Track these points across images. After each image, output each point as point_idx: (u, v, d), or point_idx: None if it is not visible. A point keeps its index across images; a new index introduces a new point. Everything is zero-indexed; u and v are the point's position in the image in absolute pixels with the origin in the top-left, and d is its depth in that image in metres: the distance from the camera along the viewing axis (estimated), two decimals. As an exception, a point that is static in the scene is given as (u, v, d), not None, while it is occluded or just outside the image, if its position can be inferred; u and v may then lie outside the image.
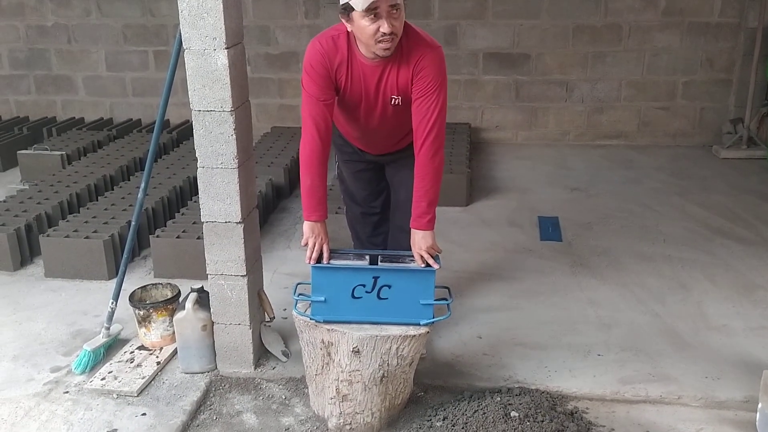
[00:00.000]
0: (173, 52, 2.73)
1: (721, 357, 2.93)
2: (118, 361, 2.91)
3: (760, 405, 2.41)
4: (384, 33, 2.33)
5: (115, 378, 2.80)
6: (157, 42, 6.30)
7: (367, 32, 2.36)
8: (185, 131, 5.97)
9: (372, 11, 2.31)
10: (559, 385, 2.76)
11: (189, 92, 2.52)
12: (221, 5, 2.39)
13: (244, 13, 5.83)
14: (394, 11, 2.34)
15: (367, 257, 2.55)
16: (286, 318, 3.15)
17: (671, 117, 6.02)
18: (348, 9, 2.36)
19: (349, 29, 2.45)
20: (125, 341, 3.07)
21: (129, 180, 4.73)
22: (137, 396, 2.71)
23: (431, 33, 2.63)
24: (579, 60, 5.92)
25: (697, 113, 5.99)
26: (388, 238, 3.12)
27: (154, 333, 2.97)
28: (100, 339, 2.96)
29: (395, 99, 2.57)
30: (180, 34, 2.49)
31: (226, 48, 2.45)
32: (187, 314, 2.79)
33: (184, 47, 2.48)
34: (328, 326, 2.43)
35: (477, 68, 6.04)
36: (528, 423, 2.41)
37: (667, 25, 5.76)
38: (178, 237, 3.66)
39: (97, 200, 4.32)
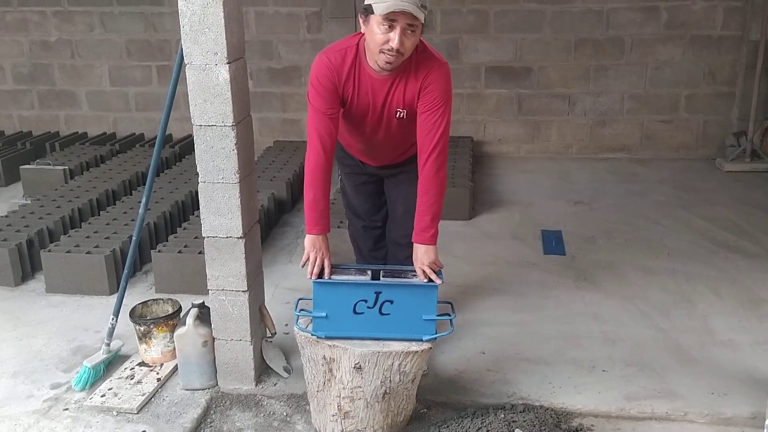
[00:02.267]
0: (175, 67, 2.73)
1: (728, 372, 2.90)
2: (119, 378, 2.89)
3: (767, 421, 2.37)
4: (391, 47, 2.33)
5: (115, 395, 2.77)
6: (160, 57, 6.33)
7: (376, 40, 2.35)
8: (188, 146, 5.97)
9: (389, 21, 2.30)
10: (564, 401, 2.73)
11: (190, 107, 2.52)
12: (222, 20, 2.39)
13: (247, 28, 5.88)
14: (410, 30, 2.33)
15: (369, 272, 2.53)
16: (287, 333, 3.13)
17: (674, 130, 6.01)
18: (368, 10, 2.34)
19: (363, 30, 2.44)
20: (126, 357, 3.05)
21: (131, 195, 4.73)
22: (137, 413, 2.69)
23: (434, 47, 2.63)
24: (581, 73, 5.93)
25: (700, 126, 5.98)
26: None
27: (154, 349, 2.94)
28: (101, 355, 2.94)
29: (400, 112, 2.57)
30: (181, 49, 2.49)
31: (228, 63, 2.45)
32: (188, 330, 2.77)
33: (186, 62, 2.48)
34: (329, 342, 2.41)
35: (479, 82, 6.04)
36: (532, 440, 2.39)
37: (669, 38, 5.76)
38: (179, 252, 3.65)
39: (99, 215, 4.31)
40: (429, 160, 2.52)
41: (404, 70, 2.49)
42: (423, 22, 2.34)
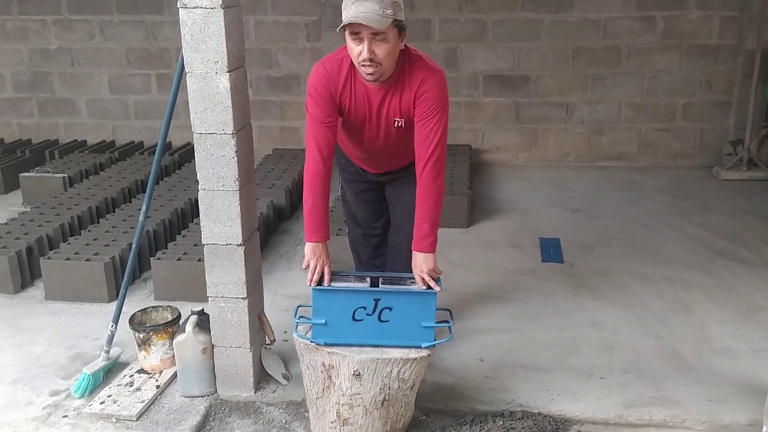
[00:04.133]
0: (175, 75, 2.75)
1: (725, 380, 2.91)
2: (118, 385, 2.89)
3: (764, 428, 2.38)
4: (364, 58, 2.35)
5: (115, 402, 2.77)
6: (159, 65, 6.35)
7: (352, 54, 2.40)
8: (187, 153, 5.99)
9: (354, 34, 2.34)
10: (562, 408, 2.73)
11: (191, 115, 2.54)
12: (223, 30, 2.41)
13: (246, 37, 5.90)
14: (378, 38, 2.34)
15: (368, 279, 2.54)
16: (286, 341, 3.13)
17: (671, 138, 6.03)
18: (342, 28, 2.39)
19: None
20: (125, 364, 3.05)
21: (130, 202, 4.74)
22: (136, 420, 2.69)
23: (432, 56, 2.66)
24: (579, 82, 5.96)
25: (697, 135, 6.01)
26: (388, 259, 3.12)
27: (153, 356, 2.95)
28: (100, 362, 2.94)
29: (398, 121, 2.59)
30: (182, 57, 2.51)
31: (228, 72, 2.47)
32: (187, 337, 2.78)
33: (186, 71, 2.50)
34: (328, 349, 2.41)
35: (477, 90, 6.07)
36: (531, 447, 2.39)
37: (666, 47, 5.80)
38: (178, 259, 3.66)
39: (99, 222, 4.32)
40: (426, 167, 2.54)
41: (397, 80, 2.51)
42: (399, 26, 2.35)
